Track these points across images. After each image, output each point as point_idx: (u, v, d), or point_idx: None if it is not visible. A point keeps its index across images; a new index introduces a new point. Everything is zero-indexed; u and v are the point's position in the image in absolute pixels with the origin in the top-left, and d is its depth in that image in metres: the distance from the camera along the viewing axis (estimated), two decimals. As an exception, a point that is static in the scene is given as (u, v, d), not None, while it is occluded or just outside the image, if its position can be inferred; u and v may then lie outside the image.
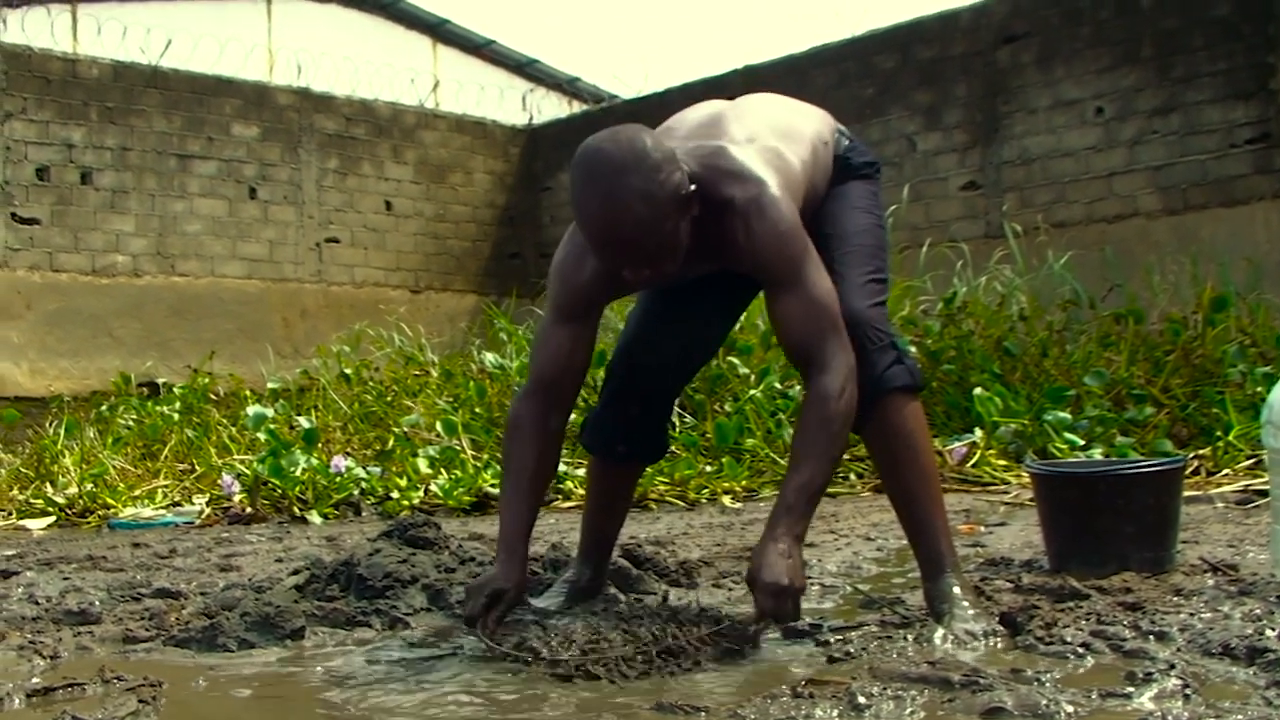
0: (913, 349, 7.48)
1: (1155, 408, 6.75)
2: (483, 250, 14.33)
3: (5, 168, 11.70)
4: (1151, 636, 2.48)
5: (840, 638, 2.59)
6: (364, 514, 7.24)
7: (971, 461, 6.48)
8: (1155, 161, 9.85)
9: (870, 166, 2.98)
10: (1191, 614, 2.63)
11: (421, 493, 7.06)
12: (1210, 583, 3.07)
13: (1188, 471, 5.80)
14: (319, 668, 2.57)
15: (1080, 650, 2.35)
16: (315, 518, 6.96)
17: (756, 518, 5.45)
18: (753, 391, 7.41)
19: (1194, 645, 2.38)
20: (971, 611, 2.60)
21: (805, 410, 2.55)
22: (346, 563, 3.23)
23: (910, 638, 2.54)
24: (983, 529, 4.77)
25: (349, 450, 8.89)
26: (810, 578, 3.52)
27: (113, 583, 4.20)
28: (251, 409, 8.66)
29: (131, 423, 10.11)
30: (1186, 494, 5.14)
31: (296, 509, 7.12)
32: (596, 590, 3.12)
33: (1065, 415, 6.54)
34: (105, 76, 12.16)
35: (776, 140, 2.73)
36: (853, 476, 6.79)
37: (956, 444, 6.63)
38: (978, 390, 6.87)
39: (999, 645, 2.51)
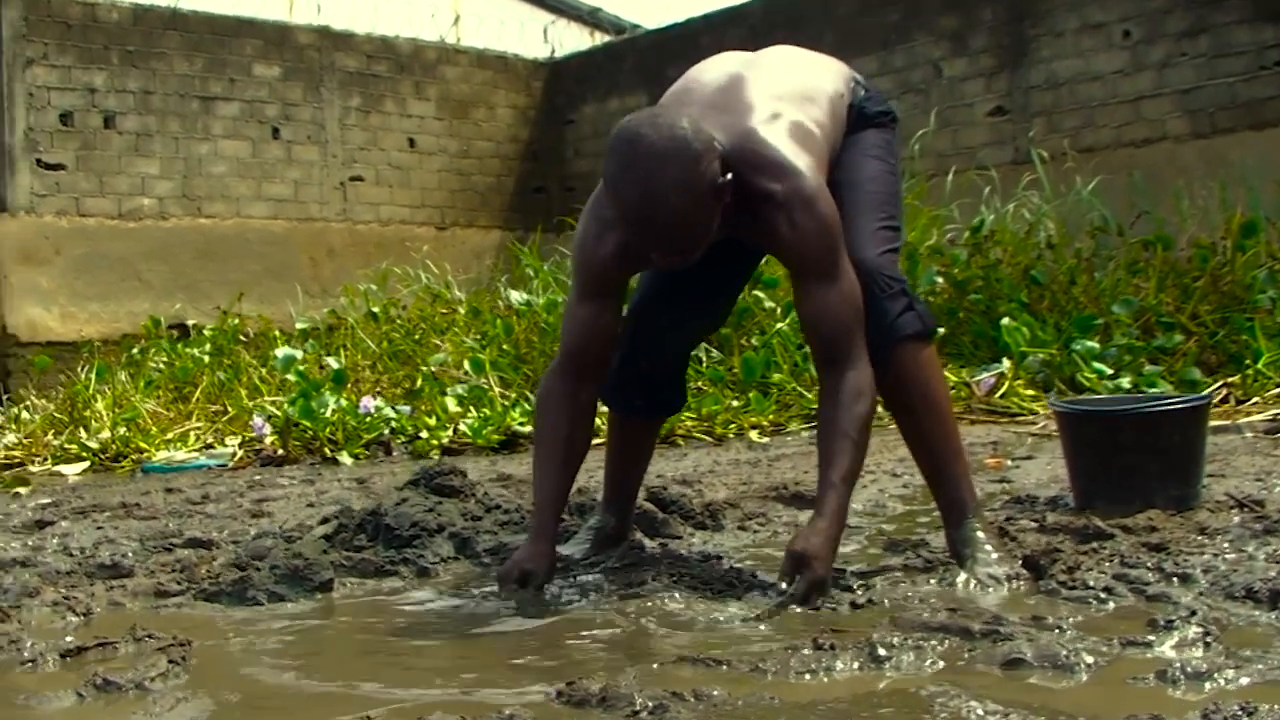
0: (939, 279, 7.48)
1: (1184, 335, 6.70)
2: (507, 186, 14.28)
3: (29, 114, 11.71)
4: (1175, 579, 2.49)
5: (863, 582, 2.60)
6: (394, 453, 7.30)
7: (1000, 392, 6.46)
8: (1183, 85, 9.71)
9: (885, 115, 2.96)
10: (1215, 554, 2.63)
11: (450, 432, 7.10)
12: (1236, 520, 3.06)
13: (1216, 401, 5.79)
14: (349, 618, 2.61)
15: (1103, 595, 2.36)
16: (346, 459, 7.01)
17: (783, 453, 5.46)
18: (779, 325, 7.39)
19: (1217, 588, 2.38)
20: (994, 555, 2.61)
21: (839, 402, 2.55)
22: (374, 512, 3.26)
23: (933, 582, 2.55)
24: (1009, 463, 4.77)
25: (378, 389, 8.94)
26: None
27: (146, 531, 4.24)
28: (281, 351, 8.70)
29: (162, 365, 10.17)
30: (1214, 424, 5.13)
31: (327, 450, 7.17)
32: (621, 536, 3.14)
33: (1093, 344, 6.51)
34: (125, 20, 12.12)
35: (799, 108, 2.71)
36: (879, 409, 6.77)
37: (984, 374, 6.62)
38: (1005, 320, 6.84)
39: (1022, 589, 2.52)
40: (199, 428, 8.78)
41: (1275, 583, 2.29)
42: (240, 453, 7.51)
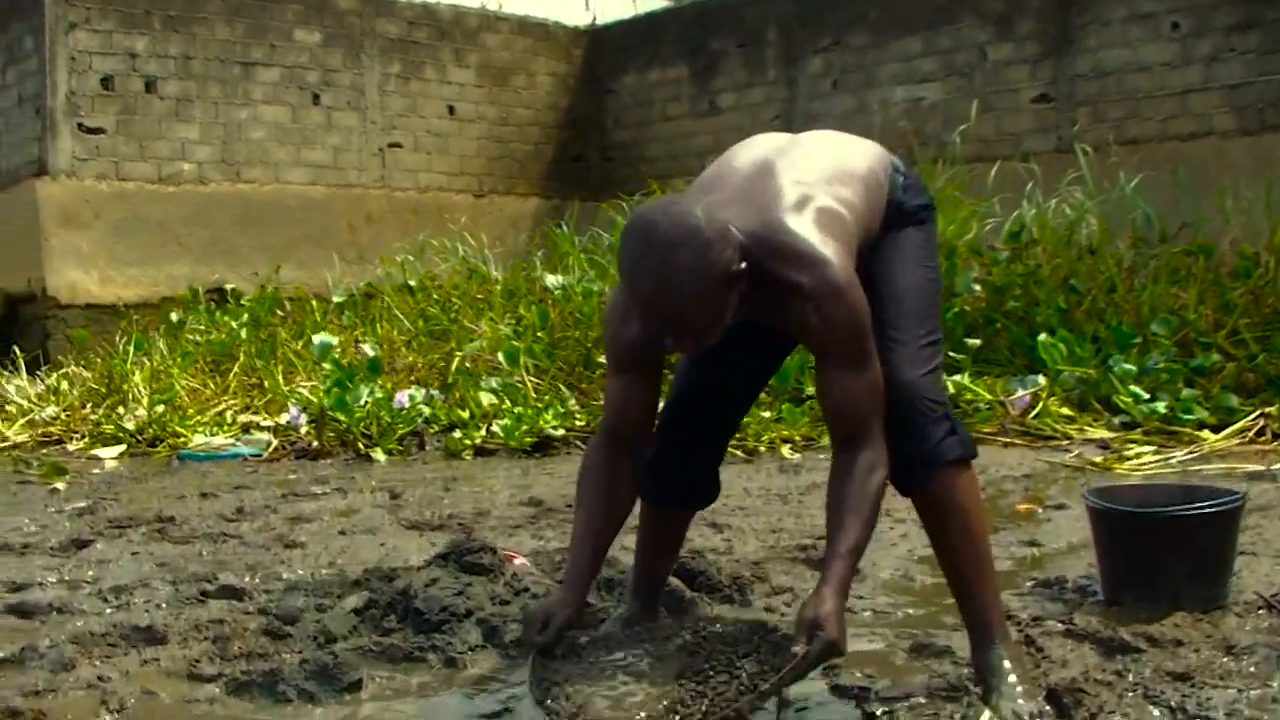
0: (977, 287, 7.42)
1: (1221, 355, 6.65)
2: (545, 153, 14.25)
3: (70, 78, 11.74)
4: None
5: (887, 710, 2.62)
6: (427, 448, 7.35)
7: (1034, 412, 6.43)
8: (1232, 79, 9.58)
9: (925, 210, 2.92)
10: (1240, 690, 2.63)
11: (483, 432, 7.13)
12: (1264, 629, 3.06)
13: (1251, 433, 5.76)
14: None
15: (1124, 749, 2.37)
16: (380, 456, 7.07)
17: (815, 481, 5.47)
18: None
19: (1239, 740, 2.39)
20: (1019, 688, 2.61)
21: (850, 475, 2.54)
22: (403, 592, 3.29)
23: (958, 717, 2.56)
24: (1040, 511, 4.76)
25: (413, 374, 8.98)
26: (860, 597, 3.54)
27: (180, 565, 4.30)
28: (317, 338, 8.74)
29: (200, 338, 10.25)
30: (1247, 468, 5.11)
31: (361, 445, 7.23)
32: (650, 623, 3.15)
33: (1130, 367, 6.46)
34: (167, -17, 12.13)
35: (829, 191, 2.68)
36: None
37: (1019, 392, 6.59)
38: (1042, 336, 6.80)
39: (1044, 725, 2.53)
40: (235, 404, 8.87)
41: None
42: (275, 441, 7.58)
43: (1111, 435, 6.10)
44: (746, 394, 3.05)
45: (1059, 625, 3.14)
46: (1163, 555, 3.21)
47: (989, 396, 6.55)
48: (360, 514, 5.24)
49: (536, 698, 2.48)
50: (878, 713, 2.62)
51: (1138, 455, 5.58)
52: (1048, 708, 2.58)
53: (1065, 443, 6.11)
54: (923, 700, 2.68)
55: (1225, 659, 2.87)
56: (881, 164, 2.90)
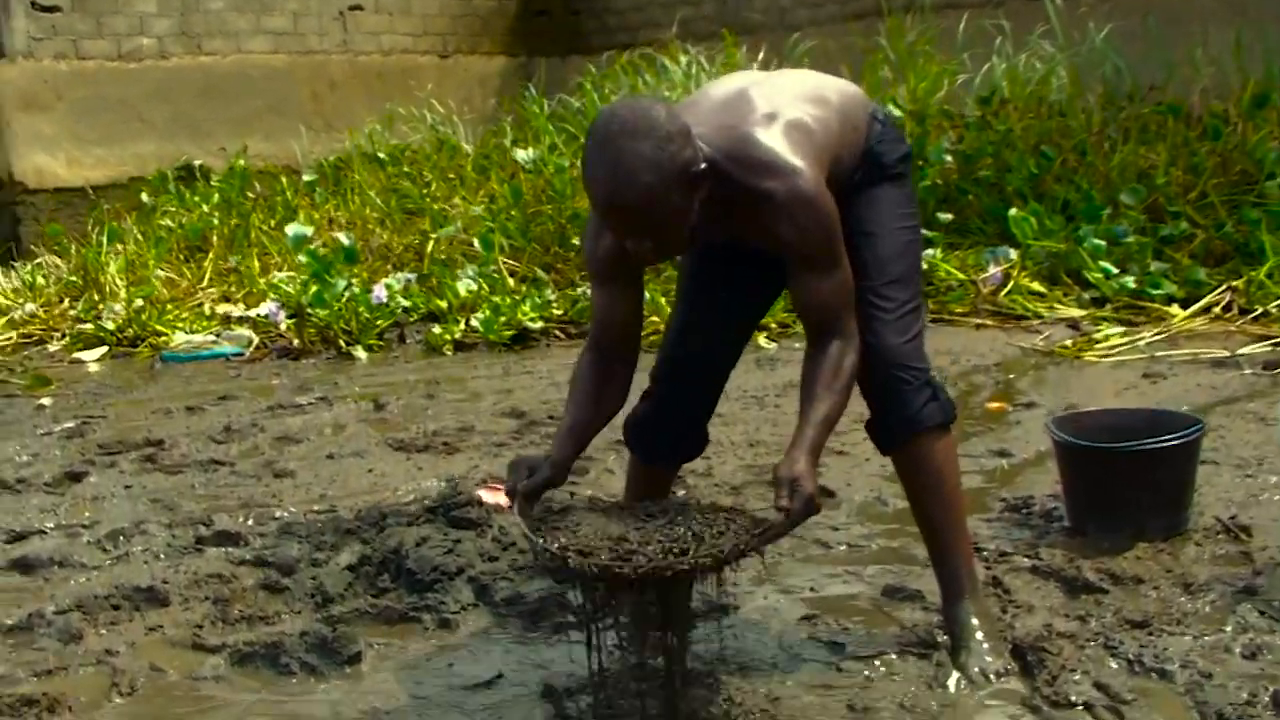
0: (948, 157, 7.44)
1: (1190, 224, 6.72)
2: (510, 9, 13.99)
3: (20, -44, 11.45)
4: (1154, 673, 2.63)
5: (860, 666, 2.76)
6: (408, 341, 7.42)
7: (1006, 290, 6.51)
8: (1204, -80, 9.41)
9: (903, 163, 2.94)
10: (1195, 637, 2.77)
11: (463, 326, 7.19)
12: (1221, 558, 3.21)
13: (1219, 309, 5.86)
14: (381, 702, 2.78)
15: (1082, 710, 2.52)
16: (361, 353, 7.14)
17: (790, 378, 5.55)
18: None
19: (1191, 694, 2.53)
20: (986, 644, 2.74)
21: (822, 359, 2.64)
22: (395, 550, 3.40)
23: (928, 675, 2.70)
24: (1010, 409, 4.88)
25: (388, 253, 9.00)
26: (835, 528, 3.67)
27: (173, 502, 4.40)
28: (290, 229, 8.74)
29: (171, 224, 10.22)
30: (1213, 352, 5.23)
31: (342, 343, 7.29)
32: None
33: (1100, 241, 6.53)
34: None
35: (800, 108, 2.71)
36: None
37: (991, 269, 6.66)
38: (1013, 211, 6.85)
39: (1009, 685, 2.67)
40: (213, 294, 8.90)
41: (1244, 711, 2.44)
42: (256, 339, 7.64)
43: (1082, 313, 6.19)
44: (734, 343, 3.10)
45: (1025, 561, 3.28)
46: (1124, 487, 3.33)
47: (961, 276, 6.62)
48: (346, 431, 5.33)
49: (527, 536, 2.55)
50: (848, 669, 2.75)
51: (1106, 339, 5.69)
52: (1013, 664, 2.72)
53: (1036, 323, 6.20)
54: (894, 656, 2.81)
55: (1183, 598, 3.01)
56: (859, 103, 2.92)
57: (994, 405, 4.91)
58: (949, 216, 7.13)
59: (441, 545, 3.38)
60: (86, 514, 4.39)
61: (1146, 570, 3.16)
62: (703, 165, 2.51)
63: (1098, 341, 5.66)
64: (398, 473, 4.61)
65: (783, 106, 2.72)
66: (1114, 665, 2.69)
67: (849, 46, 9.71)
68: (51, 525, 4.27)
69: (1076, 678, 2.63)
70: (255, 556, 3.76)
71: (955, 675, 2.70)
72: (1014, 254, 6.72)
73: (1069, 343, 5.73)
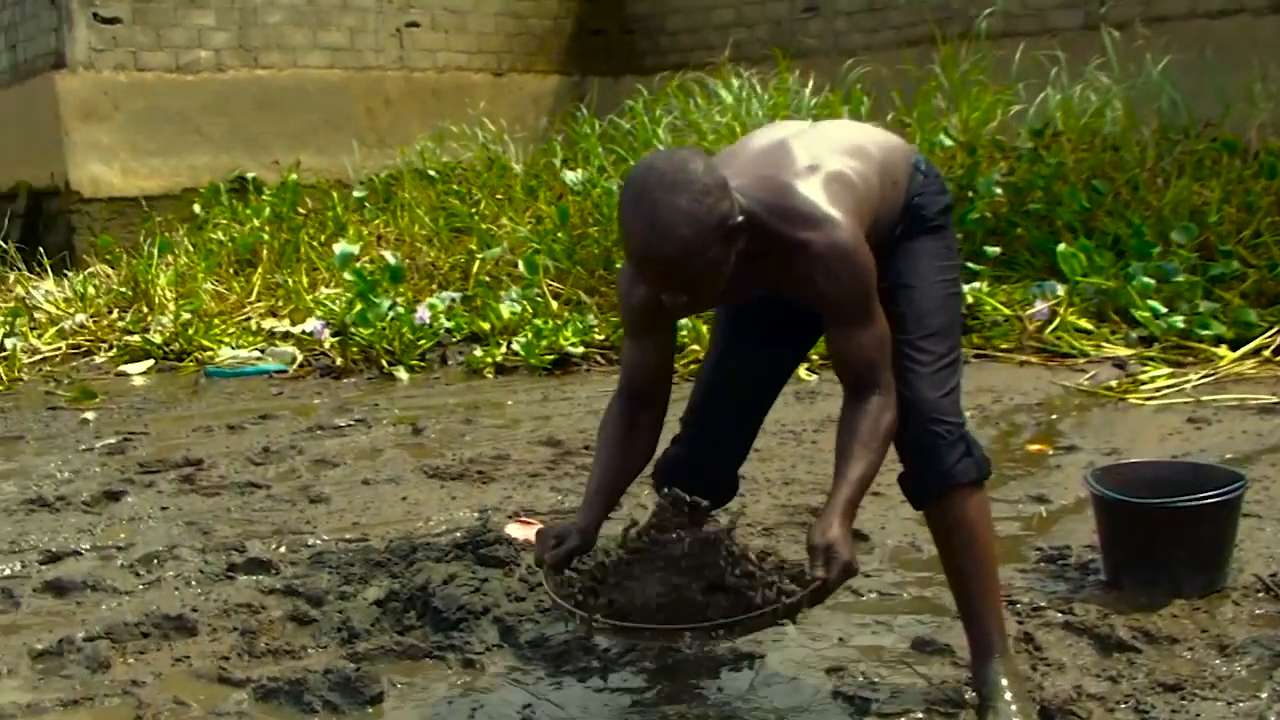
0: (998, 190, 7.38)
1: (1241, 264, 6.62)
2: (565, 28, 14.04)
3: (82, -31, 11.61)
4: (1185, 743, 2.58)
5: (886, 726, 2.72)
6: (449, 362, 7.44)
7: (1052, 326, 6.44)
8: (1265, -47, 9.32)
9: (944, 215, 2.92)
10: (1229, 702, 2.71)
11: (504, 349, 7.20)
12: (1260, 619, 3.14)
13: (1269, 352, 5.77)
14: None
15: (1111, 779, 2.47)
16: (402, 374, 7.17)
17: (829, 413, 5.52)
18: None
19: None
20: (1014, 706, 2.69)
21: (859, 414, 2.61)
22: (422, 588, 3.39)
23: (952, 738, 2.66)
24: (1050, 452, 4.81)
25: (434, 272, 9.03)
26: (867, 575, 3.62)
27: (207, 526, 4.41)
28: (338, 247, 8.78)
29: (223, 235, 10.30)
30: (1260, 398, 5.14)
31: (385, 363, 7.31)
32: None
33: (1149, 280, 6.44)
34: None
35: (841, 160, 2.69)
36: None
37: (1038, 305, 6.59)
38: (1061, 246, 6.77)
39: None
40: (260, 309, 8.96)
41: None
42: (300, 356, 7.68)
43: (1129, 353, 6.11)
44: (768, 390, 3.08)
45: (1059, 616, 3.22)
46: (1162, 543, 3.27)
47: (1007, 312, 6.55)
48: (383, 455, 5.33)
49: (557, 602, 2.57)
50: (877, 729, 2.72)
51: (1152, 380, 5.61)
52: (1039, 726, 2.67)
53: (1082, 361, 6.12)
54: (920, 714, 2.77)
55: (1218, 660, 2.94)
56: (902, 155, 2.89)
57: (1035, 447, 4.84)
58: (997, 250, 7.06)
59: (469, 584, 3.36)
60: (122, 535, 4.41)
61: (1182, 630, 3.10)
62: (740, 218, 2.48)
63: (1143, 383, 5.58)
64: (431, 501, 4.60)
65: (824, 158, 2.69)
66: (1143, 740, 2.64)
67: (902, 74, 9.66)
68: (87, 546, 4.29)
69: (1104, 745, 2.58)
70: (285, 586, 3.76)
71: (982, 739, 2.65)
72: (1061, 290, 6.64)
73: (1114, 383, 5.65)
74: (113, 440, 5.91)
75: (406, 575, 3.56)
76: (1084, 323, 6.46)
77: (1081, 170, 7.64)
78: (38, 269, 10.39)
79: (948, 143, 8.27)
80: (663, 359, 2.82)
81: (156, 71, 12.16)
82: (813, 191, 2.60)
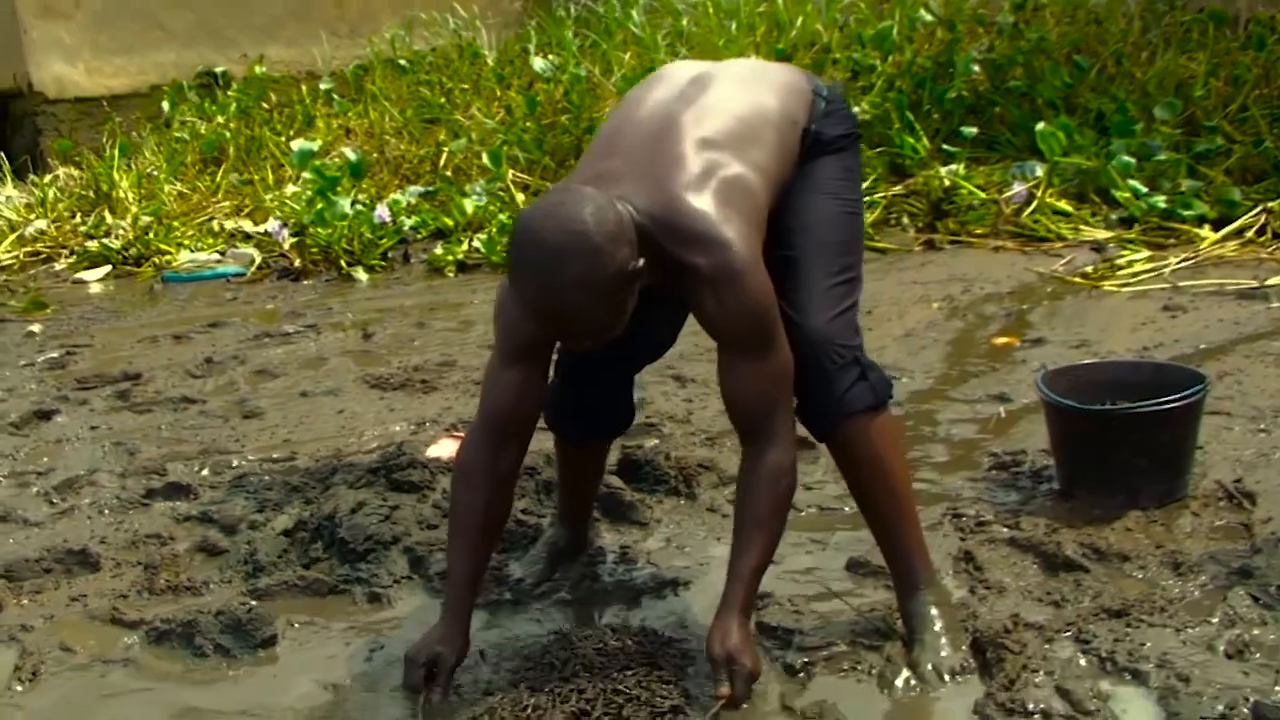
0: (976, 67, 7.07)
1: (1226, 140, 6.32)
2: (540, -95, 13.56)
3: None
4: (1127, 674, 2.39)
5: (806, 660, 2.53)
6: (412, 260, 7.20)
7: (1030, 209, 6.16)
8: None
9: (845, 139, 2.68)
10: (1177, 629, 2.52)
11: (465, 247, 6.95)
12: (1219, 530, 2.94)
13: (1251, 232, 5.52)
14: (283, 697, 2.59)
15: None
16: (361, 275, 6.93)
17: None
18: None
19: (1164, 702, 2.29)
20: (943, 639, 2.50)
21: (755, 483, 2.43)
22: (330, 517, 3.20)
23: (877, 671, 2.48)
24: (1018, 344, 4.59)
25: (400, 165, 8.75)
26: (808, 488, 3.41)
27: (134, 447, 4.22)
28: (296, 144, 8.48)
29: (187, 135, 9.99)
30: (1240, 282, 4.91)
31: (344, 263, 7.07)
32: (579, 548, 3.06)
33: (1130, 159, 6.15)
34: None
35: (737, 154, 2.44)
36: (905, 220, 6.54)
37: (1016, 187, 6.30)
38: (1040, 125, 6.46)
39: (965, 682, 2.43)
40: (225, 208, 8.70)
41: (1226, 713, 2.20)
42: (259, 258, 7.44)
43: (1108, 235, 5.84)
44: (654, 333, 2.86)
45: (1004, 531, 3.03)
46: (1117, 451, 3.06)
47: (983, 195, 6.27)
48: (326, 365, 5.13)
49: None
50: (796, 664, 2.53)
51: (1129, 265, 5.35)
52: (971, 661, 2.49)
53: (1059, 245, 5.86)
54: (844, 648, 2.58)
55: (1171, 580, 2.75)
56: (800, 93, 2.66)
57: (1001, 340, 4.62)
58: (974, 130, 6.75)
59: (379, 512, 3.17)
60: (44, 459, 4.23)
61: (1135, 545, 2.90)
62: (639, 262, 2.27)
63: (1120, 268, 5.33)
64: (368, 415, 4.41)
65: (719, 156, 2.44)
66: (1083, 664, 2.45)
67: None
68: (5, 472, 4.12)
69: (1039, 679, 2.38)
70: (201, 513, 3.58)
71: (905, 674, 2.46)
72: (1040, 171, 6.35)
73: (1090, 269, 5.40)
74: (55, 354, 5.71)
75: (320, 502, 3.37)
76: (1064, 204, 6.18)
77: (1064, 45, 7.30)
78: (9, 176, 10.10)
79: (928, 19, 7.91)
80: (532, 393, 2.55)
81: (116, -36, 11.74)
82: (705, 205, 2.36)
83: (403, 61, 10.91)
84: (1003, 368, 4.35)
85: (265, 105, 10.25)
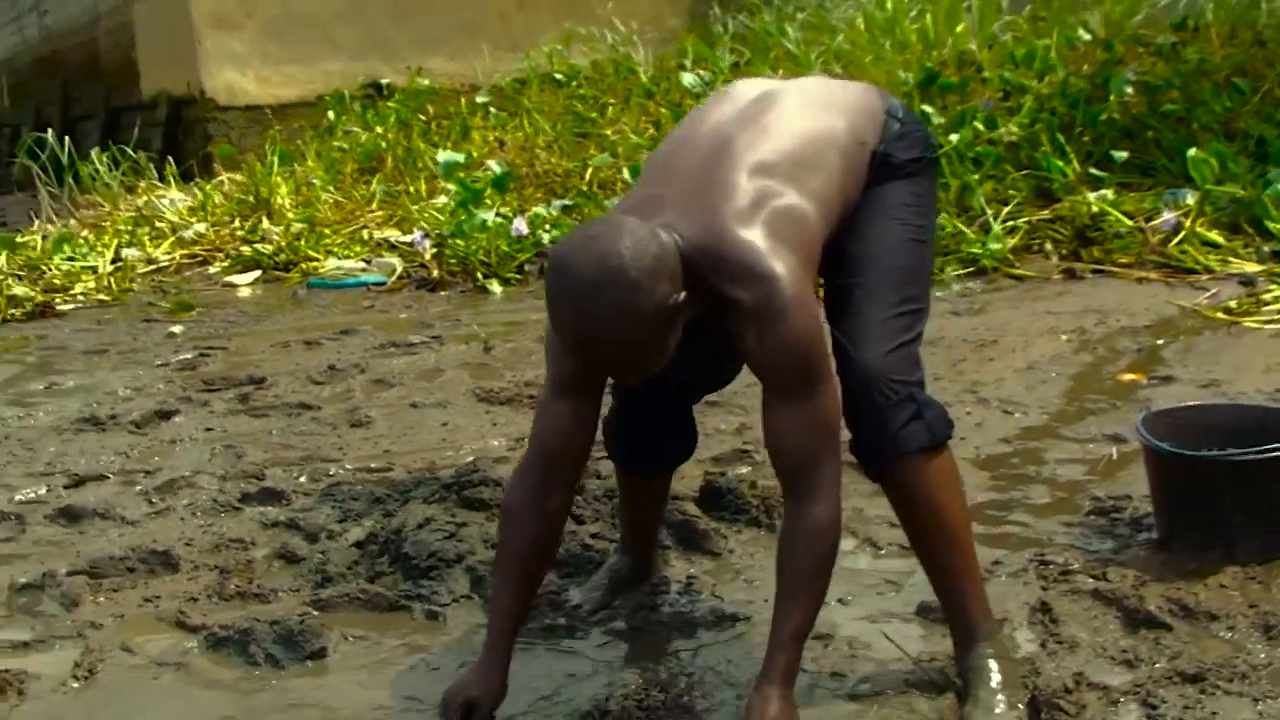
0: (1129, 89, 6.82)
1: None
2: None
3: (211, -125, 11.57)
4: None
5: (856, 709, 2.42)
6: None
7: (1178, 239, 5.89)
8: None
9: (917, 163, 2.54)
10: (1255, 699, 2.34)
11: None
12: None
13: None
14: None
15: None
16: (496, 288, 6.97)
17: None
18: (951, 138, 6.87)
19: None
20: (999, 695, 2.35)
21: (797, 543, 2.29)
22: (397, 531, 3.18)
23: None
24: (1144, 382, 4.37)
25: (547, 179, 8.78)
26: (893, 523, 3.28)
27: (241, 451, 4.29)
28: (442, 156, 8.58)
29: (346, 144, 10.21)
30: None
31: (480, 275, 7.12)
32: (643, 576, 2.98)
33: (1287, 188, 5.85)
34: None
35: (793, 182, 2.32)
36: (1048, 246, 6.32)
37: (1164, 215, 6.04)
38: (1192, 151, 6.18)
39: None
40: (377, 218, 8.84)
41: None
42: (401, 267, 7.54)
43: (1258, 269, 5.55)
44: (717, 364, 2.76)
45: (1089, 582, 2.85)
46: (1214, 501, 2.87)
47: (1129, 223, 6.02)
48: (443, 376, 5.15)
49: None
50: (843, 713, 2.41)
51: (1276, 300, 5.07)
52: (1025, 718, 2.34)
53: (1206, 278, 5.58)
54: (896, 695, 2.46)
55: (1259, 644, 2.55)
56: (870, 115, 2.53)
57: (1128, 377, 4.41)
58: (1124, 154, 6.50)
59: (444, 529, 3.14)
60: (155, 459, 4.32)
61: (1226, 604, 2.71)
62: (681, 296, 2.17)
63: (1266, 303, 5.05)
64: (470, 428, 4.40)
65: (774, 184, 2.32)
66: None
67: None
68: (116, 470, 4.21)
69: (1092, 746, 2.23)
70: (289, 519, 3.61)
71: (957, 730, 2.33)
72: (1192, 199, 6.07)
73: (1234, 304, 5.12)
74: (189, 355, 5.86)
75: (395, 515, 3.36)
76: (1214, 235, 5.89)
77: (1225, 67, 6.98)
78: (174, 179, 10.44)
79: (1086, 37, 7.66)
80: (584, 427, 2.46)
81: (288, -23, 12.11)
82: (754, 236, 2.24)
83: (558, 76, 11.00)
84: (1124, 406, 4.13)
85: (423, 116, 10.41)
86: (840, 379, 2.33)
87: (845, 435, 2.36)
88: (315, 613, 2.95)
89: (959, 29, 8.29)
